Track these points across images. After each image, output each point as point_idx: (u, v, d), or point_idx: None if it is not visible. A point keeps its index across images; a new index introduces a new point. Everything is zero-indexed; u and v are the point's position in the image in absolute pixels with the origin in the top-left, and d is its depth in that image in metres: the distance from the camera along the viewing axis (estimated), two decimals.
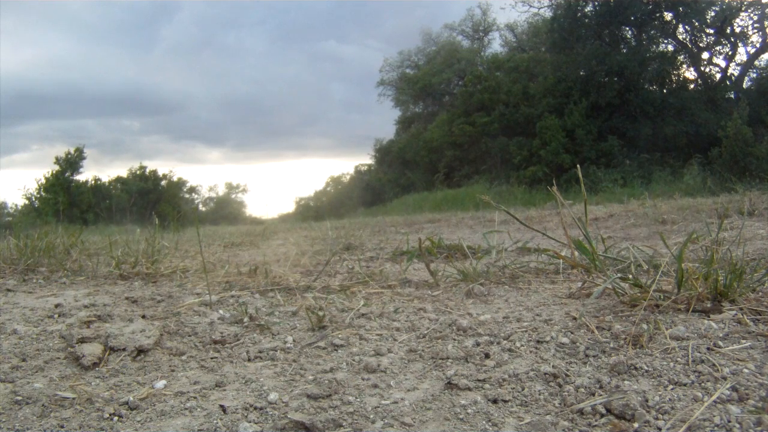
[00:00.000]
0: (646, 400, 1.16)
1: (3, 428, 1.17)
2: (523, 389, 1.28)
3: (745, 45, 20.29)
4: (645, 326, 1.59)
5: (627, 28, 21.09)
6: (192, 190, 33.90)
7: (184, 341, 1.76)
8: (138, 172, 29.63)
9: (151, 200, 27.59)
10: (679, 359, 1.36)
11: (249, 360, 1.60)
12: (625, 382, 1.26)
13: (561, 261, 2.58)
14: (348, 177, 34.68)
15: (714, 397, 1.15)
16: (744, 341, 1.46)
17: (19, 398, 1.30)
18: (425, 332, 1.78)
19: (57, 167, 25.65)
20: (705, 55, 20.79)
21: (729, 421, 1.06)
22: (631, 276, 2.00)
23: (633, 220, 6.03)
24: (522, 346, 1.57)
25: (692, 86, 20.54)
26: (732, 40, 20.18)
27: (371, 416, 1.19)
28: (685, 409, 1.12)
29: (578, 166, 2.51)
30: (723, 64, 20.79)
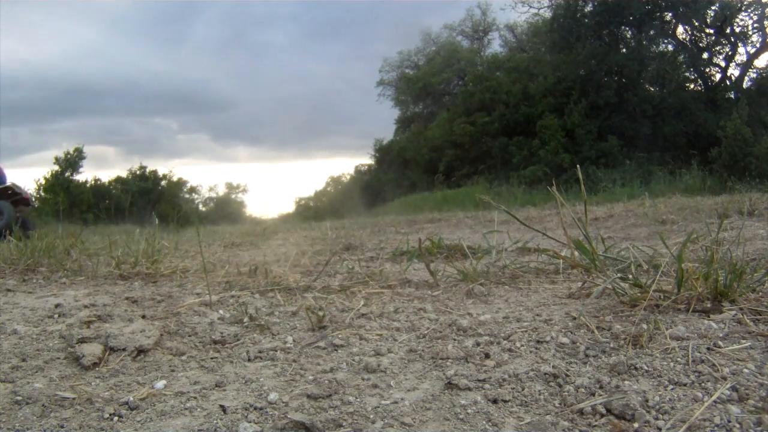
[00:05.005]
0: (646, 400, 1.16)
1: (3, 428, 1.17)
2: (523, 389, 1.28)
3: (745, 45, 20.29)
4: (645, 326, 1.59)
5: (626, 28, 21.09)
6: (192, 190, 33.94)
7: (184, 341, 1.76)
8: (138, 172, 29.62)
9: (151, 200, 27.60)
10: (679, 359, 1.36)
11: (249, 360, 1.60)
12: (625, 382, 1.26)
13: (561, 261, 2.58)
14: (348, 177, 34.73)
15: (714, 397, 1.15)
16: (744, 341, 1.46)
17: (19, 398, 1.30)
18: (425, 332, 1.78)
19: (57, 167, 25.67)
20: (705, 55, 20.78)
21: (729, 421, 1.06)
22: (631, 276, 2.00)
23: (633, 220, 6.03)
24: (522, 346, 1.57)
25: (692, 86, 20.54)
26: (732, 40, 20.17)
27: (371, 416, 1.19)
28: (685, 409, 1.12)
29: (578, 166, 2.51)
30: (723, 64, 20.79)
